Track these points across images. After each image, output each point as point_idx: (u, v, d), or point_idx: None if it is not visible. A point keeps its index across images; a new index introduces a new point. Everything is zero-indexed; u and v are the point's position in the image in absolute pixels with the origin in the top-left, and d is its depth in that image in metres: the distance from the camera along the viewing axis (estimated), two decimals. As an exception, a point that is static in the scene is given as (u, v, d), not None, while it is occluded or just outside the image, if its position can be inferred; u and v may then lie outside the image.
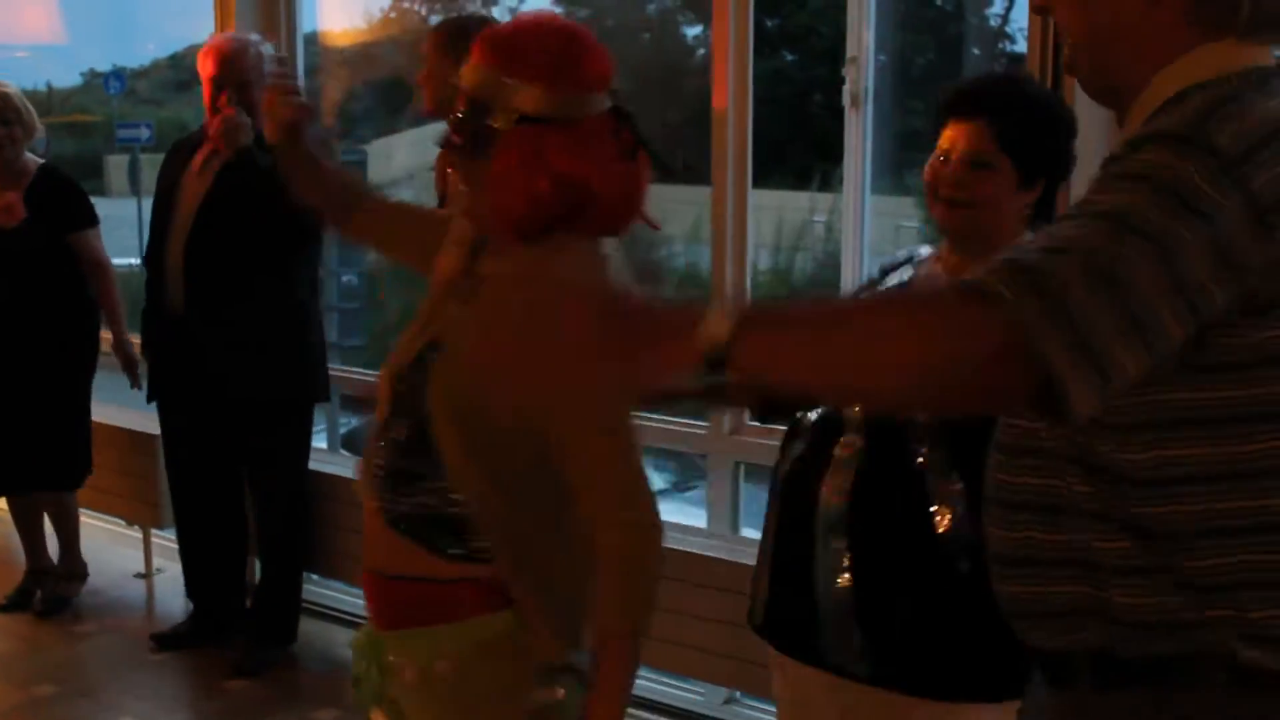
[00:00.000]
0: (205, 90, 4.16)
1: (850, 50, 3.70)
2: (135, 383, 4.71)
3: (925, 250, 2.42)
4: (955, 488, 2.13)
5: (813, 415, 2.30)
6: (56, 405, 4.74)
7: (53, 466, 4.82)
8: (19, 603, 4.94)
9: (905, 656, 2.18)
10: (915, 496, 2.16)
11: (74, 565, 5.05)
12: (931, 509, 2.14)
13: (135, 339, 4.64)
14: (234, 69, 4.11)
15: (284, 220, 3.83)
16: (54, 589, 4.97)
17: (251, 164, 3.97)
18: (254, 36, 4.30)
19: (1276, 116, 1.40)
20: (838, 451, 2.22)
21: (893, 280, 2.38)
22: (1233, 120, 1.37)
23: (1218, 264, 1.30)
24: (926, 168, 2.25)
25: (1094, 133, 2.39)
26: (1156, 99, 1.49)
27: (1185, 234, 1.29)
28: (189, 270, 4.13)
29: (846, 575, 2.19)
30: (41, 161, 4.84)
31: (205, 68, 4.15)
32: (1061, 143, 2.24)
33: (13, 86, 4.78)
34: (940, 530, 2.13)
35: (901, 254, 2.45)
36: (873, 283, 2.45)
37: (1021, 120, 2.19)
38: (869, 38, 3.70)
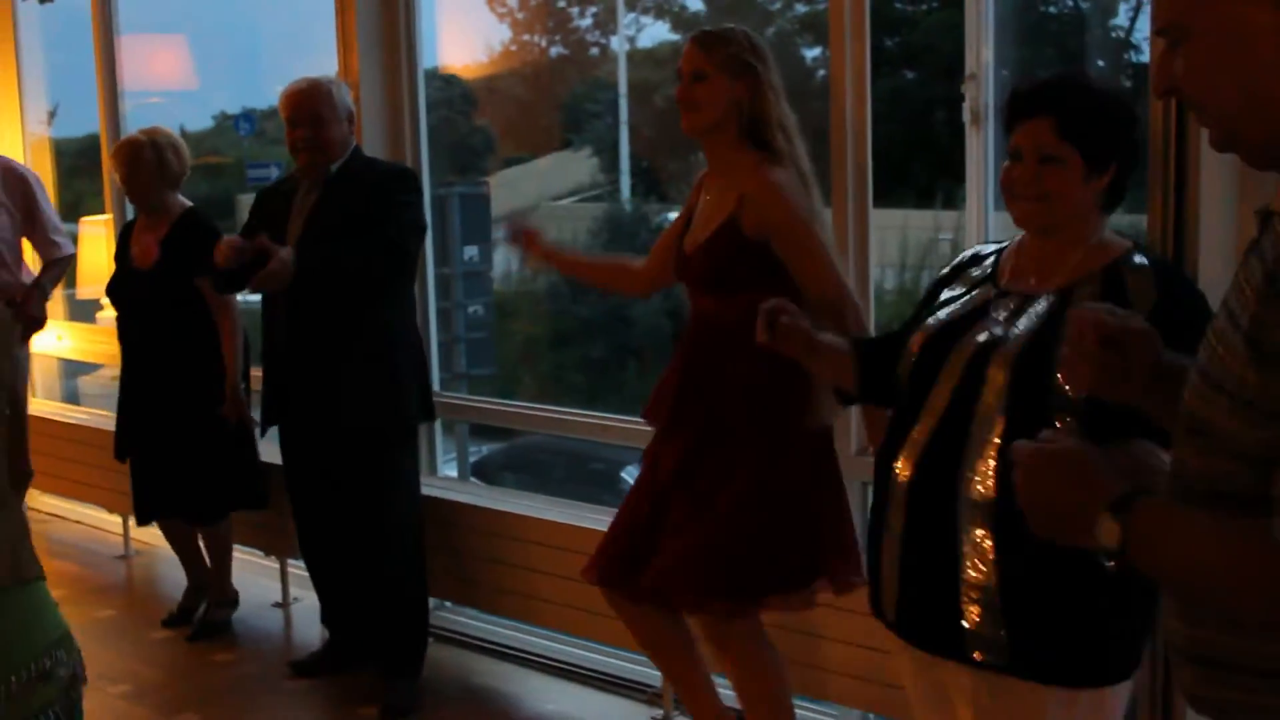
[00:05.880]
0: (286, 132, 4.29)
1: (969, 67, 3.66)
2: (244, 425, 4.80)
3: (990, 248, 2.45)
4: None
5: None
6: (200, 442, 4.81)
7: (197, 501, 4.92)
8: (181, 619, 5.11)
9: (1045, 646, 2.20)
10: None
11: (225, 591, 5.16)
12: None
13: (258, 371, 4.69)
14: (306, 108, 4.24)
15: (370, 252, 4.05)
16: (207, 614, 5.10)
17: (342, 201, 4.16)
18: (328, 77, 4.41)
19: None
20: (984, 438, 2.20)
21: (959, 291, 2.39)
22: None
23: None
24: (1002, 173, 2.31)
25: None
26: None
27: None
28: (291, 304, 4.22)
29: (991, 566, 2.19)
30: (189, 205, 4.91)
31: (282, 112, 4.31)
32: (1124, 129, 2.29)
33: (161, 131, 4.88)
34: None
35: (965, 256, 2.48)
36: (930, 296, 2.46)
37: (1082, 112, 2.24)
38: (988, 54, 3.66)
